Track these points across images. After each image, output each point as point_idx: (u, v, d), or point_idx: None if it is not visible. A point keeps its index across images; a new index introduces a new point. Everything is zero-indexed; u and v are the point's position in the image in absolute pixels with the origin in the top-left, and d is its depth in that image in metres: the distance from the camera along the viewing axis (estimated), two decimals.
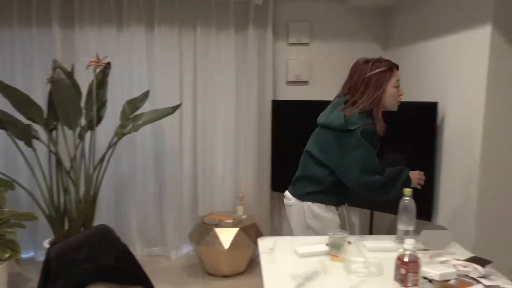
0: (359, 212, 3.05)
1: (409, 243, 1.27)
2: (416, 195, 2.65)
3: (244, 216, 3.32)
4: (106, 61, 2.91)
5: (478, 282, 1.41)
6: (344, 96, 2.00)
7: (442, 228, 1.77)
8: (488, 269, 1.55)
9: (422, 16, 2.87)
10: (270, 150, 3.48)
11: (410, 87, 3.05)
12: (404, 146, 2.74)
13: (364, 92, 1.89)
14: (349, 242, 1.81)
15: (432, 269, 1.44)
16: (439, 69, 2.65)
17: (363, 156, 1.86)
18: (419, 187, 2.02)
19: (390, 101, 1.93)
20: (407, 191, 1.78)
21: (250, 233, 3.15)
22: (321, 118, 2.01)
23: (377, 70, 1.89)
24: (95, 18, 3.29)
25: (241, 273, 3.24)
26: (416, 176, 2.01)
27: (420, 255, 1.67)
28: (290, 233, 2.11)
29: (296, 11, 3.48)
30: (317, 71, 3.56)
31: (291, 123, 3.28)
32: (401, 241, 1.80)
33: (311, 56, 3.54)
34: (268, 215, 3.63)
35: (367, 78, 1.88)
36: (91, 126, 2.94)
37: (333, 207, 2.02)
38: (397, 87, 1.93)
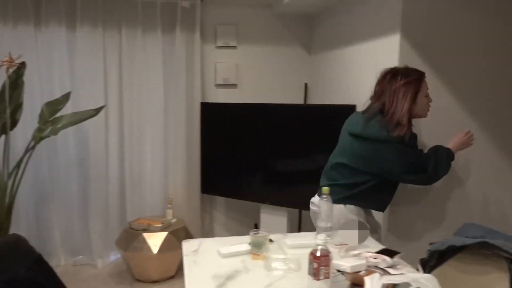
0: (287, 211, 3.14)
1: (321, 238, 1.34)
2: None
3: (174, 220, 3.29)
4: (20, 60, 2.75)
5: (386, 271, 1.51)
6: (373, 106, 2.04)
7: (361, 223, 1.88)
8: (396, 259, 1.67)
9: (341, 24, 3.03)
10: (200, 153, 3.48)
11: (332, 90, 3.20)
12: (326, 147, 2.86)
13: (397, 105, 1.94)
14: (271, 241, 1.87)
15: (344, 262, 1.53)
16: (357, 74, 2.81)
17: (408, 161, 1.95)
18: (471, 144, 2.15)
19: (422, 110, 2.02)
20: (324, 189, 1.87)
21: (180, 236, 3.13)
22: (356, 129, 2.04)
23: (405, 81, 1.95)
24: (8, 15, 3.10)
25: (171, 278, 3.20)
26: (459, 140, 2.12)
27: (336, 249, 1.78)
28: (222, 234, 2.14)
29: (224, 14, 3.52)
30: (245, 74, 3.62)
31: (220, 125, 3.31)
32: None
33: (239, 60, 3.59)
34: (198, 217, 3.63)
35: (399, 91, 1.95)
36: (4, 130, 2.76)
37: (362, 210, 2.09)
38: (427, 96, 2.02)
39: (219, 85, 3.60)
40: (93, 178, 3.34)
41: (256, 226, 3.62)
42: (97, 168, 3.34)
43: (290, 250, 1.81)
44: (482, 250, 1.56)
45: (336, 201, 2.02)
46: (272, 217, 3.22)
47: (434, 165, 1.96)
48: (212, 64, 3.56)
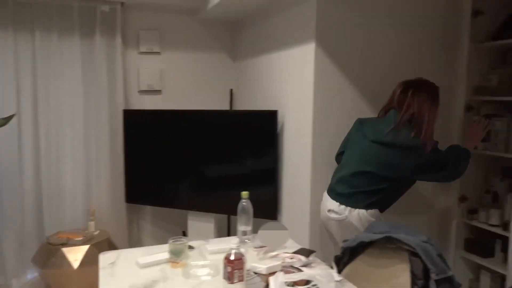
0: (215, 217, 3.15)
1: (234, 242, 1.36)
2: (261, 197, 2.86)
3: (97, 232, 3.16)
4: None
5: (300, 270, 1.57)
6: (394, 114, 2.15)
7: (279, 225, 1.93)
8: (311, 258, 1.74)
9: (262, 31, 3.11)
10: (124, 161, 3.38)
11: (256, 96, 3.27)
12: (250, 151, 2.92)
13: (428, 118, 2.11)
14: (191, 247, 1.86)
15: (260, 264, 1.57)
16: (278, 80, 2.90)
17: (436, 165, 2.10)
18: (485, 133, 2.33)
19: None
20: (244, 194, 1.90)
21: (103, 249, 3.00)
22: (386, 138, 2.10)
23: (431, 96, 2.13)
24: None
25: None
26: (474, 133, 2.31)
27: (256, 252, 1.81)
28: (150, 244, 2.09)
29: (147, 19, 3.46)
30: (170, 81, 3.58)
31: (145, 132, 3.24)
32: (241, 241, 1.93)
33: (163, 65, 3.55)
34: (125, 228, 3.51)
35: (428, 105, 2.12)
36: None
37: (378, 211, 2.17)
38: None
39: (143, 92, 3.53)
40: (5, 192, 3.12)
41: (185, 234, 3.58)
42: (10, 180, 3.12)
43: (211, 255, 1.82)
44: (388, 244, 1.67)
45: (358, 206, 2.14)
46: (200, 224, 3.21)
47: (453, 162, 2.12)
48: (135, 70, 3.48)
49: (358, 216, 2.14)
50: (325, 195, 2.32)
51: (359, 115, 2.53)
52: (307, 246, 2.52)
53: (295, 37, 2.62)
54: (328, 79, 2.45)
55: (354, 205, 2.15)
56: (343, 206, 2.17)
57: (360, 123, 2.28)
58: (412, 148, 2.07)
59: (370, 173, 2.13)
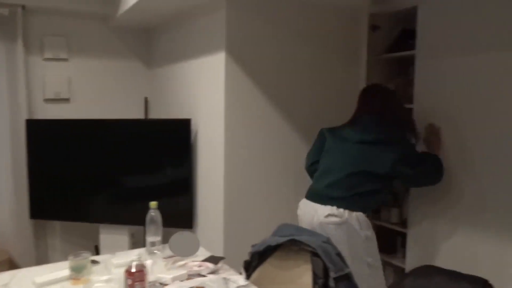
0: (128, 229, 3.05)
1: (135, 254, 1.33)
2: (177, 206, 2.83)
3: None
4: None
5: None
6: (371, 116, 2.27)
7: (188, 234, 1.92)
8: (220, 265, 1.76)
9: (176, 40, 3.10)
10: (27, 174, 3.15)
11: (170, 105, 3.24)
12: (165, 161, 2.88)
13: (404, 114, 2.33)
14: (95, 262, 1.79)
15: (167, 274, 1.55)
16: (191, 89, 2.90)
17: (416, 156, 2.22)
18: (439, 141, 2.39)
19: None
20: (152, 204, 1.87)
21: (4, 269, 2.77)
22: (377, 137, 2.19)
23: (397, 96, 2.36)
24: None
25: None
26: (431, 141, 2.39)
27: (164, 262, 1.79)
28: (60, 261, 1.96)
29: (52, 25, 3.28)
30: (79, 88, 3.43)
31: (51, 143, 3.06)
32: (150, 252, 1.89)
33: (72, 73, 3.39)
34: (31, 246, 3.27)
35: (400, 103, 2.35)
36: None
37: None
38: None
39: (49, 100, 3.33)
40: None
41: (97, 248, 3.42)
42: None
43: (117, 269, 1.76)
44: (292, 246, 1.74)
45: (356, 209, 2.15)
46: (113, 237, 3.09)
47: (431, 159, 2.21)
48: (40, 78, 3.28)
49: (356, 218, 2.15)
50: (311, 203, 2.26)
51: (271, 123, 2.62)
52: (221, 253, 2.54)
53: (207, 46, 2.65)
54: (239, 88, 2.50)
55: (352, 208, 2.15)
56: (341, 209, 2.15)
57: (331, 131, 2.35)
58: (399, 142, 2.20)
59: (365, 172, 2.17)
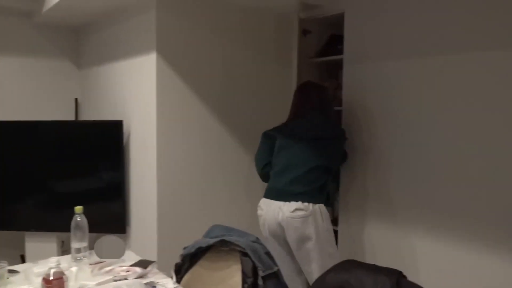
0: (57, 236, 2.91)
1: (53, 261, 1.28)
2: (109, 211, 2.74)
3: None
4: None
5: None
6: (315, 111, 2.40)
7: (115, 239, 1.87)
8: (149, 268, 1.73)
9: (107, 39, 3.00)
10: None
11: (102, 106, 3.13)
12: (96, 164, 2.78)
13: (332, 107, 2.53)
14: (14, 272, 1.69)
15: (92, 281, 1.50)
16: (122, 90, 2.82)
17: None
18: None
19: None
20: (77, 208, 1.81)
21: None
22: (325, 133, 2.36)
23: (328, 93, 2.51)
24: None
25: None
26: None
27: (90, 268, 1.73)
28: None
29: None
30: (3, 89, 3.22)
31: None
32: (75, 258, 1.82)
33: None
34: None
35: (330, 100, 2.52)
36: None
37: None
38: None
39: None
40: None
41: (23, 258, 3.23)
42: None
43: (38, 278, 1.67)
44: (223, 247, 1.76)
45: (318, 202, 2.27)
46: (40, 245, 2.93)
47: None
48: None
49: (319, 210, 2.26)
50: (274, 202, 2.30)
51: (204, 124, 2.61)
52: (155, 258, 2.49)
53: (138, 46, 2.60)
54: (170, 89, 2.47)
55: (315, 201, 2.26)
56: (306, 203, 2.23)
57: (278, 131, 2.41)
58: (341, 136, 2.44)
59: (322, 166, 2.32)
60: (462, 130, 2.10)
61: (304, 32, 2.90)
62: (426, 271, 2.27)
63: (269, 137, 2.46)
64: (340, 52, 2.70)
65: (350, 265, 1.47)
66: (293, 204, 2.24)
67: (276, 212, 2.28)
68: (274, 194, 2.33)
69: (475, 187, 2.06)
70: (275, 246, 2.38)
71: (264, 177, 2.50)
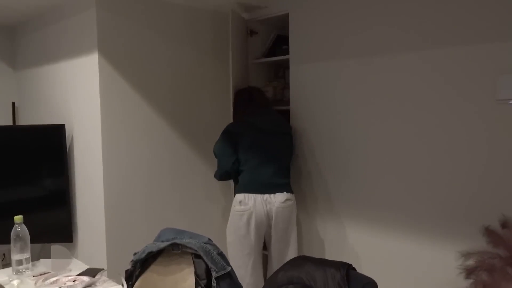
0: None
1: None
2: (54, 220, 2.62)
3: None
4: None
5: None
6: (270, 109, 2.61)
7: (59, 248, 1.80)
8: (98, 277, 1.68)
9: (46, 39, 2.86)
10: None
11: (42, 110, 2.98)
12: (38, 171, 2.65)
13: None
14: None
15: None
16: (63, 92, 2.70)
17: None
18: None
19: None
20: (17, 218, 1.71)
21: None
22: (285, 128, 2.55)
23: None
24: None
25: None
26: None
27: (34, 280, 1.65)
28: None
29: None
30: None
31: None
32: (17, 271, 1.73)
33: None
34: None
35: None
36: None
37: None
38: None
39: None
40: None
41: None
42: None
43: None
44: (174, 250, 1.73)
45: (292, 192, 2.47)
46: None
47: None
48: None
49: (294, 200, 2.49)
50: (259, 195, 2.39)
51: (150, 124, 2.57)
52: (105, 266, 2.41)
53: (78, 46, 2.50)
54: (114, 90, 2.41)
55: (291, 191, 2.48)
56: (289, 193, 2.45)
57: (242, 127, 2.47)
58: (292, 132, 2.63)
59: (289, 159, 2.57)
60: (398, 127, 2.21)
61: (250, 33, 2.92)
62: (367, 262, 2.37)
63: (231, 134, 2.47)
64: (286, 52, 2.75)
65: (299, 261, 1.50)
66: (284, 195, 2.42)
67: (264, 204, 2.39)
68: (259, 187, 2.41)
69: (411, 183, 2.17)
70: (248, 241, 2.39)
71: (229, 175, 2.52)
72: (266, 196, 2.40)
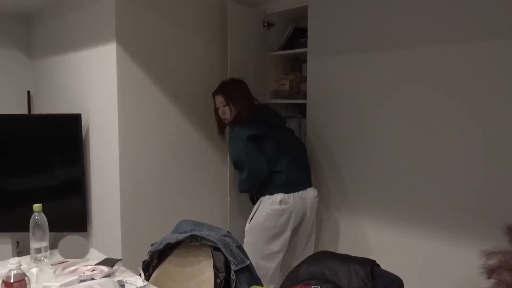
0: (12, 236, 2.75)
1: (13, 262, 1.20)
2: (69, 209, 2.63)
3: None
4: None
5: None
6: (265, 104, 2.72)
7: (78, 238, 1.79)
8: (116, 267, 1.67)
9: (62, 28, 2.85)
10: None
11: (58, 99, 2.98)
12: (54, 160, 2.65)
13: None
14: None
15: (55, 282, 1.43)
16: (80, 82, 2.70)
17: None
18: None
19: None
20: (36, 206, 1.71)
21: None
22: (281, 120, 2.60)
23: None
24: None
25: None
26: None
27: (52, 269, 1.65)
28: None
29: None
30: None
31: None
32: (35, 259, 1.73)
33: None
34: None
35: None
36: None
37: None
38: (218, 108, 2.49)
39: None
40: None
41: None
42: None
43: None
44: (192, 242, 1.72)
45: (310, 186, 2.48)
46: None
47: None
48: None
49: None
50: (297, 193, 2.38)
51: (166, 116, 2.55)
52: (119, 256, 2.41)
53: (95, 35, 2.48)
54: (131, 80, 2.39)
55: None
56: (314, 187, 2.50)
57: (258, 128, 2.35)
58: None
59: (306, 153, 2.60)
60: (423, 122, 2.17)
61: (268, 25, 2.89)
62: (385, 259, 2.34)
63: (254, 139, 2.33)
64: (304, 45, 2.71)
65: (322, 256, 1.48)
66: (313, 189, 2.47)
67: (300, 201, 2.40)
68: (296, 185, 2.41)
69: (432, 180, 2.13)
70: (282, 240, 2.37)
71: (262, 182, 2.36)
72: (301, 192, 2.41)
